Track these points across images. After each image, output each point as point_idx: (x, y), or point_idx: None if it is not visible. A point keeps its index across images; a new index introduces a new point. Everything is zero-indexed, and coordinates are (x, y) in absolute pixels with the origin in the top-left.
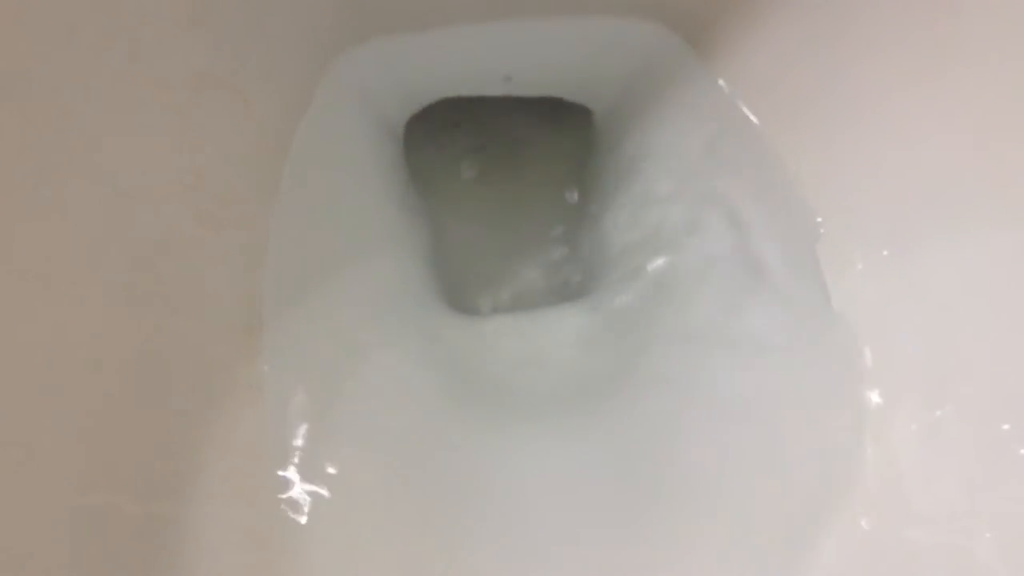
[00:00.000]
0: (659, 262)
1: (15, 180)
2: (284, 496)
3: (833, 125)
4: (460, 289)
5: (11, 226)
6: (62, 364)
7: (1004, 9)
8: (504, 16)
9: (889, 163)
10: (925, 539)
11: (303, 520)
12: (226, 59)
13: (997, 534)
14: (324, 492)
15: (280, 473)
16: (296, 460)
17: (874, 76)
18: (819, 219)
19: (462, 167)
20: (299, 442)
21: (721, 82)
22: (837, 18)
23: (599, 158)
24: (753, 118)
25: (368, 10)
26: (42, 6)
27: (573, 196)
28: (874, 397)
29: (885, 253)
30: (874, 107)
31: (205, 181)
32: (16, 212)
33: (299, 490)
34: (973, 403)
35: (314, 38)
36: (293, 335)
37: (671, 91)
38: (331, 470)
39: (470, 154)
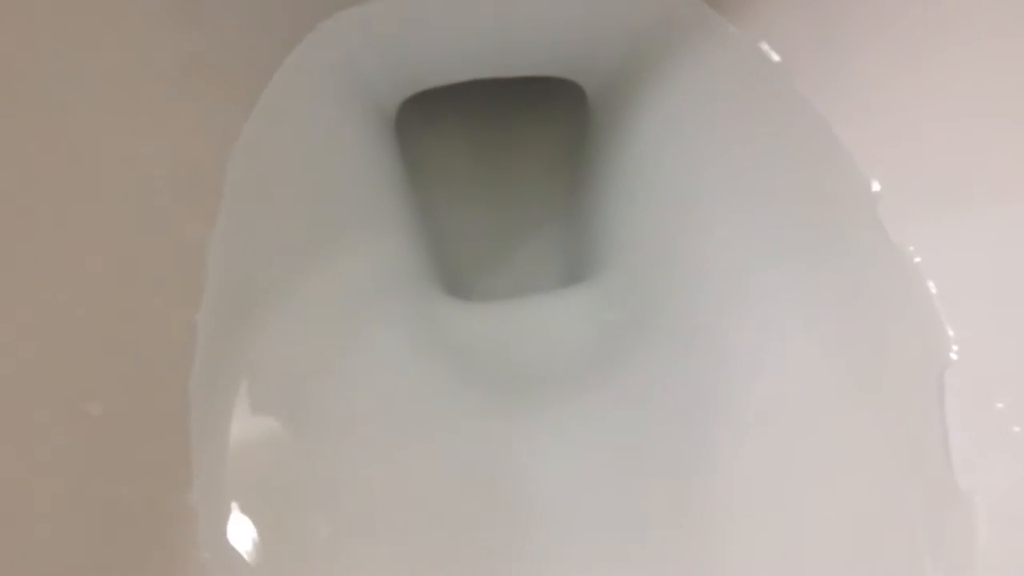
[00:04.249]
0: (671, 240)
1: None
2: None
3: (875, 87)
4: (458, 274)
5: None
6: None
7: None
8: None
9: (936, 125)
10: None
11: None
12: (208, 39)
13: None
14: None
15: None
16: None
17: (915, 32)
18: (875, 185)
19: (456, 150)
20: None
21: (747, 38)
22: None
23: (596, 135)
24: (785, 75)
25: None
26: None
27: (571, 176)
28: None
29: (944, 218)
30: (913, 67)
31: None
32: None
33: None
34: None
35: (289, 6)
36: (276, 320)
37: (685, 51)
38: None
39: (464, 137)
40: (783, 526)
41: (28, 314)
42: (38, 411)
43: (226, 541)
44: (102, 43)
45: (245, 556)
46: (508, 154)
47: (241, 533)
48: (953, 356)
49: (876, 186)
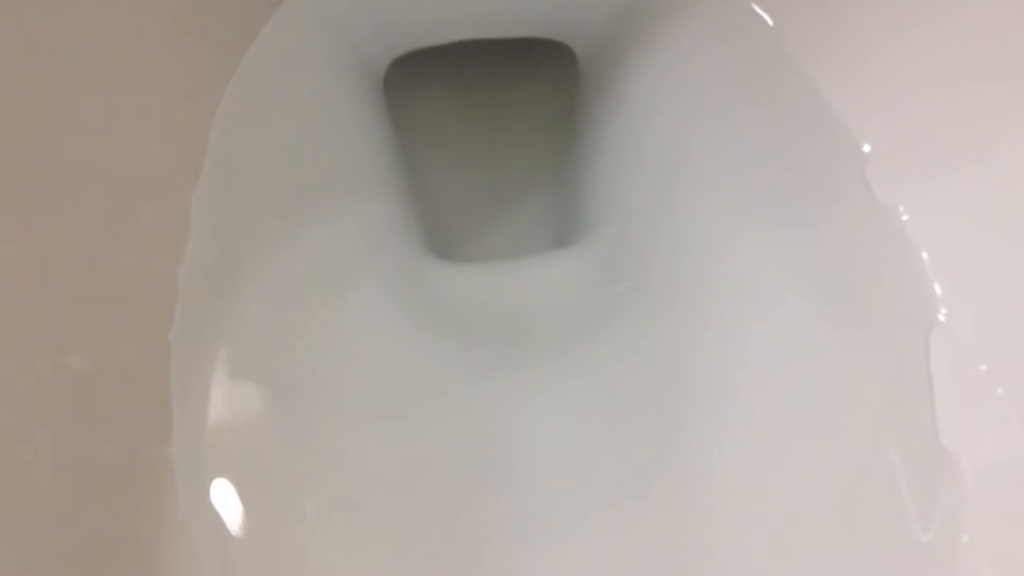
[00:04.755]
0: (660, 202)
1: None
2: None
3: (867, 50)
4: (446, 236)
5: None
6: None
7: None
8: None
9: (927, 89)
10: None
11: None
12: None
13: None
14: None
15: None
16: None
17: None
18: (865, 147)
19: (445, 112)
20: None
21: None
22: None
23: (587, 98)
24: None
25: None
26: None
27: (561, 138)
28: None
29: (934, 180)
30: (905, 31)
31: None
32: None
33: None
34: None
35: None
36: (259, 279)
37: (676, 12)
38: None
39: (454, 99)
40: (768, 481)
41: (9, 265)
42: (22, 364)
43: (203, 497)
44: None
45: (222, 513)
46: (498, 116)
47: (219, 490)
48: (940, 317)
49: (866, 148)
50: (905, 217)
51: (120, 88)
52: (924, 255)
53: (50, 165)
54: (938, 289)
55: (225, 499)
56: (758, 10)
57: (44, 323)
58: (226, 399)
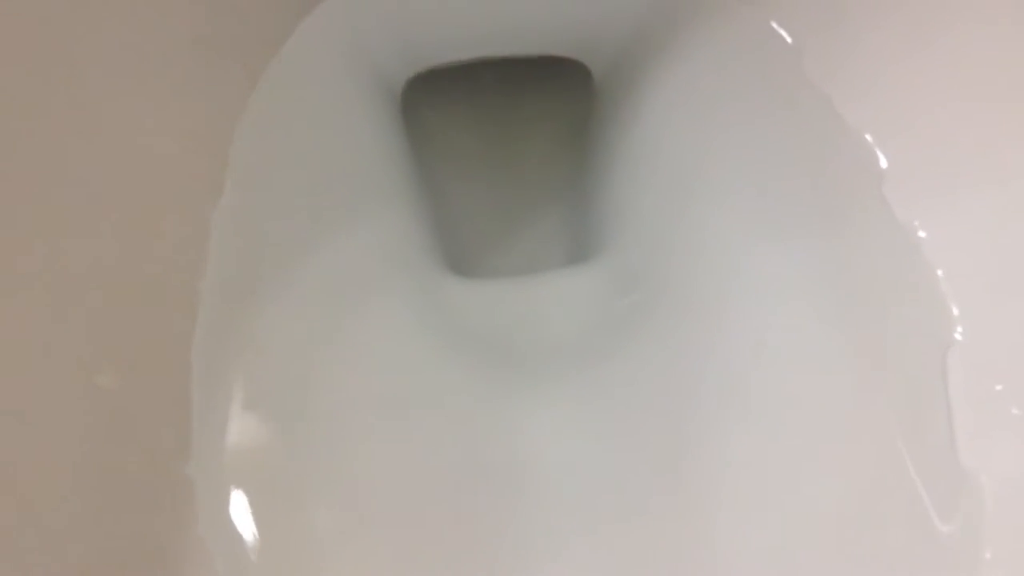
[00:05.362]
0: (676, 218)
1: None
2: None
3: (884, 67)
4: (463, 252)
5: None
6: None
7: None
8: None
9: (943, 107)
10: None
11: None
12: (218, 11)
13: None
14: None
15: None
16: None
17: (923, 14)
18: (883, 163)
19: (462, 128)
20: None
21: (757, 16)
22: None
23: (602, 113)
24: (795, 53)
25: None
26: None
27: (577, 154)
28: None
29: (950, 197)
30: (921, 49)
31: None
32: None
33: None
34: None
35: None
36: (278, 293)
37: (693, 29)
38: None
39: (470, 114)
40: (783, 500)
41: (42, 283)
42: (55, 383)
43: (222, 514)
44: (115, 15)
45: (240, 527)
46: (514, 132)
47: (237, 505)
48: (957, 336)
49: (882, 165)
50: (922, 233)
51: (144, 107)
52: (940, 272)
53: (75, 184)
54: (954, 307)
55: (243, 513)
56: (777, 27)
57: (75, 342)
58: (245, 414)
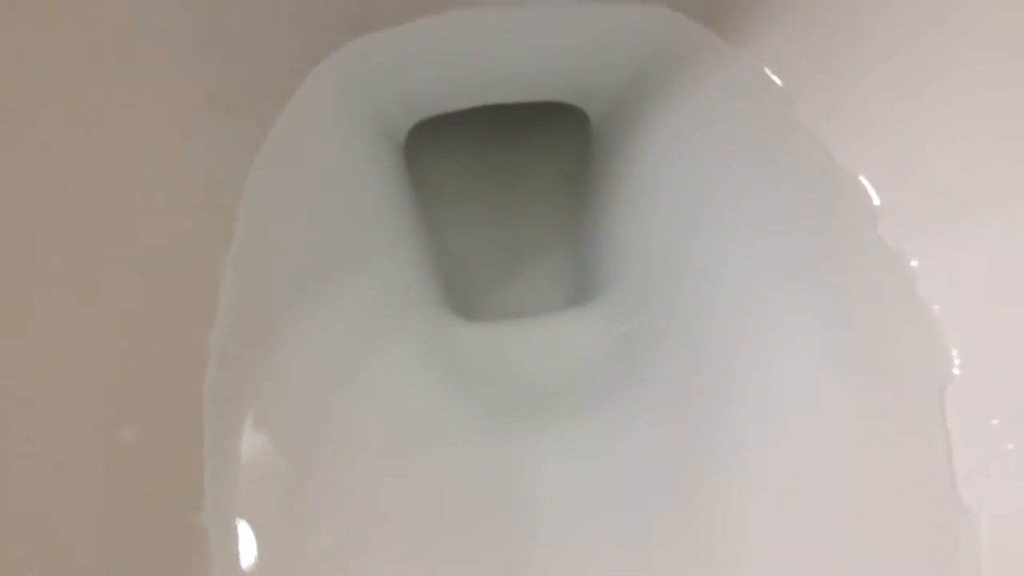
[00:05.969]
0: (677, 260)
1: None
2: None
3: (875, 111)
4: (467, 294)
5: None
6: None
7: None
8: (493, 3)
9: (935, 148)
10: None
11: None
12: (227, 71)
13: None
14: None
15: None
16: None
17: (914, 59)
18: (878, 203)
19: (463, 171)
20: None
21: (750, 62)
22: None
23: (601, 156)
24: (787, 98)
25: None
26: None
27: (577, 196)
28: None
29: (945, 236)
30: (913, 93)
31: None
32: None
33: None
34: None
35: (302, 38)
36: (287, 341)
37: (689, 76)
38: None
39: (471, 158)
40: (789, 538)
41: (66, 341)
42: (81, 439)
43: (234, 564)
44: (130, 78)
45: None
46: (515, 175)
47: (249, 555)
48: (955, 371)
49: (876, 205)
50: (918, 271)
51: (155, 163)
52: (936, 308)
53: (92, 243)
54: (951, 341)
55: (256, 562)
56: (769, 73)
57: (96, 397)
58: (256, 462)
